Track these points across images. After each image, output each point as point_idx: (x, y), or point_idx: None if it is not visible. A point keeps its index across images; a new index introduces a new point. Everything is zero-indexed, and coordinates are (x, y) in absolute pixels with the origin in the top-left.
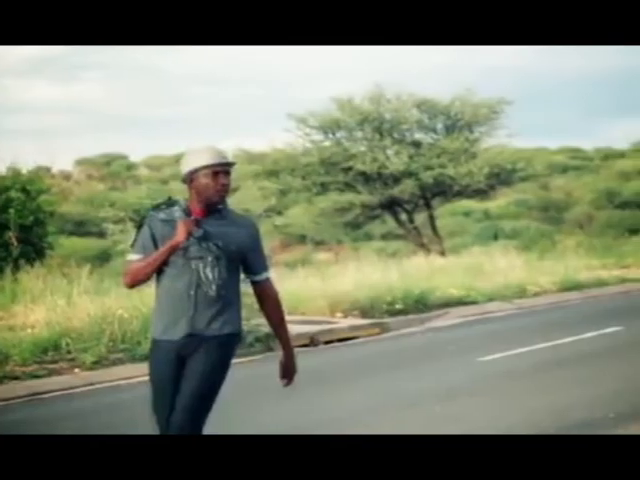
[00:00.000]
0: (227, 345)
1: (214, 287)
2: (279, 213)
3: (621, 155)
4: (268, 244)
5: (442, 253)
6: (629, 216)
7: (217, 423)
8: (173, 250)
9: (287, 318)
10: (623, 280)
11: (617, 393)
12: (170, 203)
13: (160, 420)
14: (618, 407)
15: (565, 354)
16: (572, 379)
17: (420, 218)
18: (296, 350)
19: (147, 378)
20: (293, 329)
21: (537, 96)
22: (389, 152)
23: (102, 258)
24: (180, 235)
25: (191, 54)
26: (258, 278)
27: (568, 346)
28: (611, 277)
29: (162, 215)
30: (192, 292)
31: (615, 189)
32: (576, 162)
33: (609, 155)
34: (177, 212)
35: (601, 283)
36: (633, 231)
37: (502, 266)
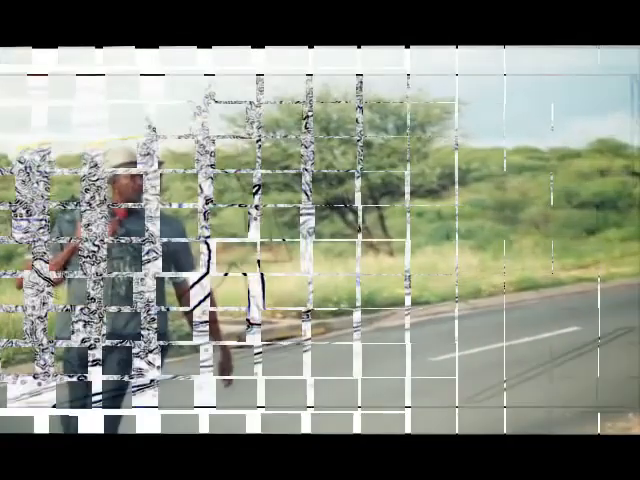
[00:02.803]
0: None
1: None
2: (214, 214)
3: (577, 155)
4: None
5: (391, 253)
6: (586, 216)
7: None
8: (76, 251)
9: (223, 318)
10: (580, 280)
11: (573, 393)
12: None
13: None
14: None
15: (521, 354)
16: (528, 379)
17: (370, 218)
18: (237, 350)
19: None
20: (227, 329)
21: (491, 96)
22: (336, 152)
23: (6, 257)
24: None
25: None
26: (182, 279)
27: (524, 346)
28: (568, 277)
29: (67, 216)
30: (109, 292)
31: (572, 189)
32: (532, 162)
33: (565, 155)
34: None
35: (558, 283)
36: (590, 231)
37: (456, 266)
